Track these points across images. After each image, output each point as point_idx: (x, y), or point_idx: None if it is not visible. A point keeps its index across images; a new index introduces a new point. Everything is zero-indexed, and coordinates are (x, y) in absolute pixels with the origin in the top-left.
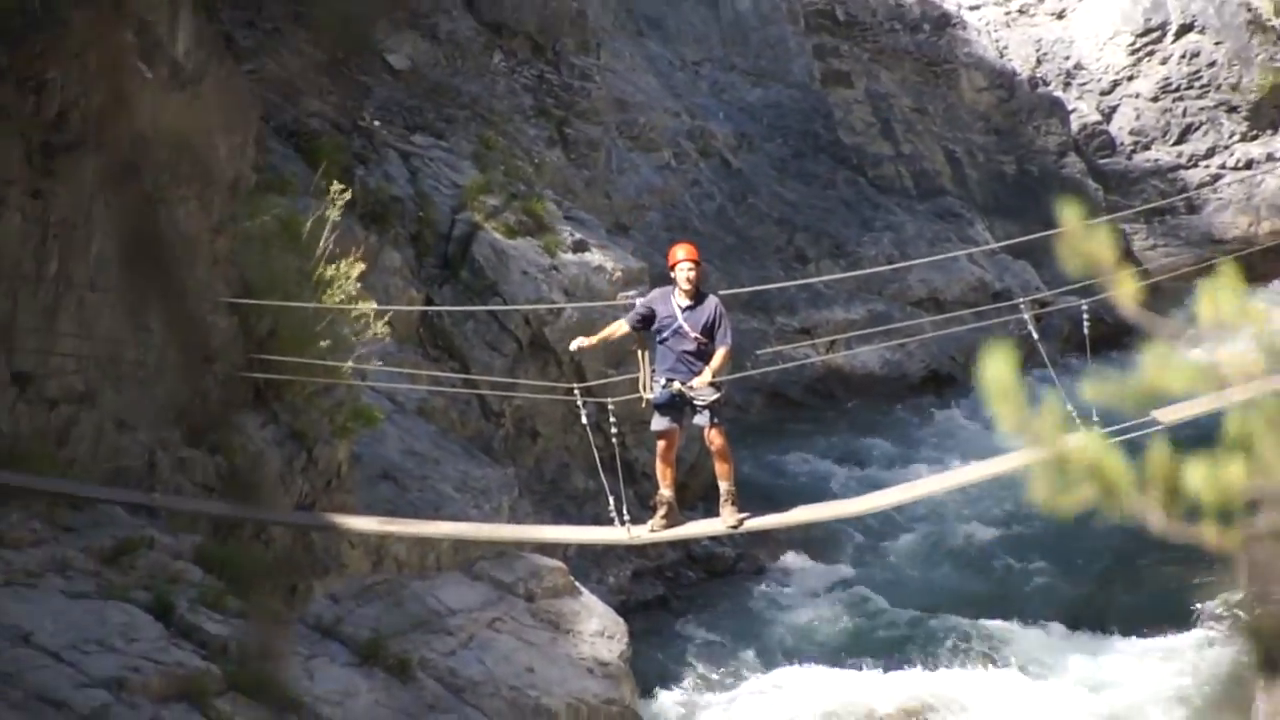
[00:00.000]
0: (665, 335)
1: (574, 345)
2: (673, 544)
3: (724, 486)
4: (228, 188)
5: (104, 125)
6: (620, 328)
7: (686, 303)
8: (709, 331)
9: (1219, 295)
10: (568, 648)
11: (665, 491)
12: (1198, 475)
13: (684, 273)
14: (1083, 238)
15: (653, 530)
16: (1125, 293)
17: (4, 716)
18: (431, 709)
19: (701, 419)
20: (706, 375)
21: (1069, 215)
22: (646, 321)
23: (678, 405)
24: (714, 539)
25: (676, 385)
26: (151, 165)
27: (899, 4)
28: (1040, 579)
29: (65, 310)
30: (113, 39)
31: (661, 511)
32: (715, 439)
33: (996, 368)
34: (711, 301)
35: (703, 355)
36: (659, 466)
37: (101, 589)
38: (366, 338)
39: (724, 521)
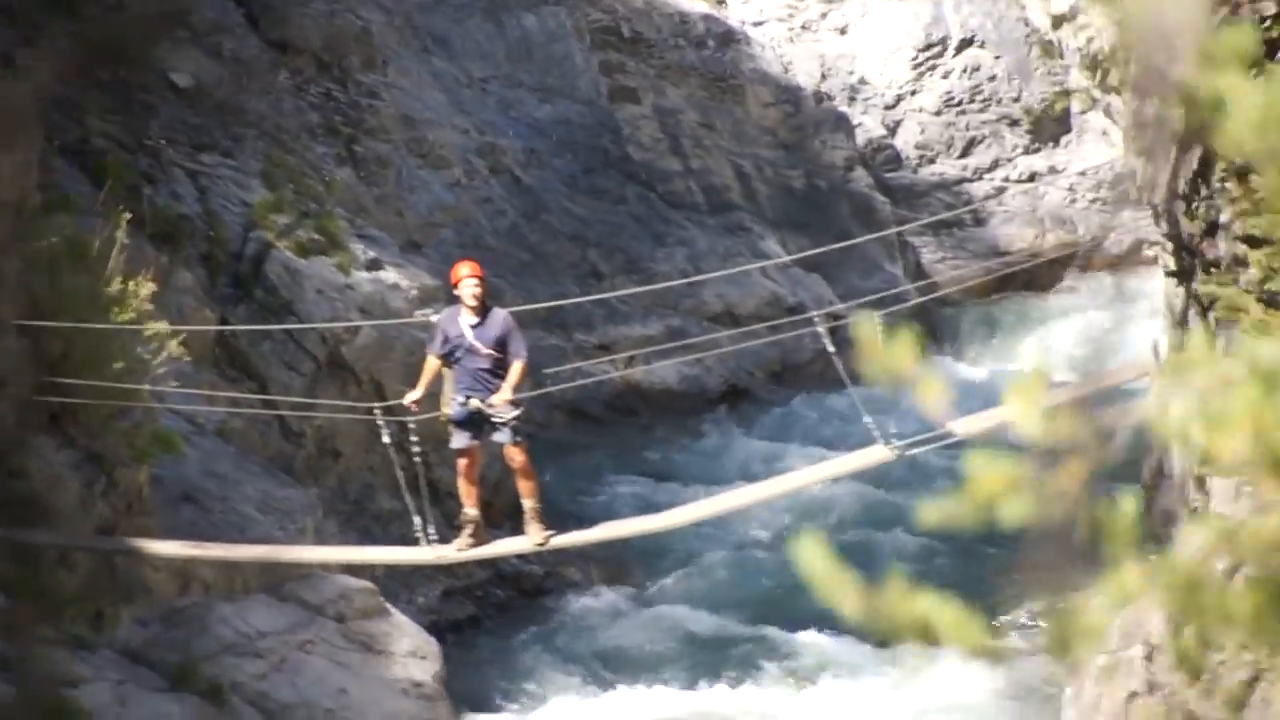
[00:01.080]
0: (458, 355)
1: (406, 400)
2: (481, 563)
3: (527, 504)
4: (12, 207)
5: None
6: (432, 364)
7: (474, 320)
8: (501, 345)
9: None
10: (380, 669)
11: (469, 510)
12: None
13: (469, 289)
14: (884, 355)
15: (459, 549)
16: (931, 398)
17: None
18: None
19: (501, 436)
20: (506, 392)
21: (865, 331)
22: (445, 344)
23: (477, 423)
24: (522, 557)
25: (475, 403)
26: None
27: (684, 21)
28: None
29: None
30: None
31: (467, 530)
32: (516, 456)
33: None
34: (499, 315)
35: (497, 371)
36: (462, 485)
37: None
38: (161, 358)
39: (529, 539)
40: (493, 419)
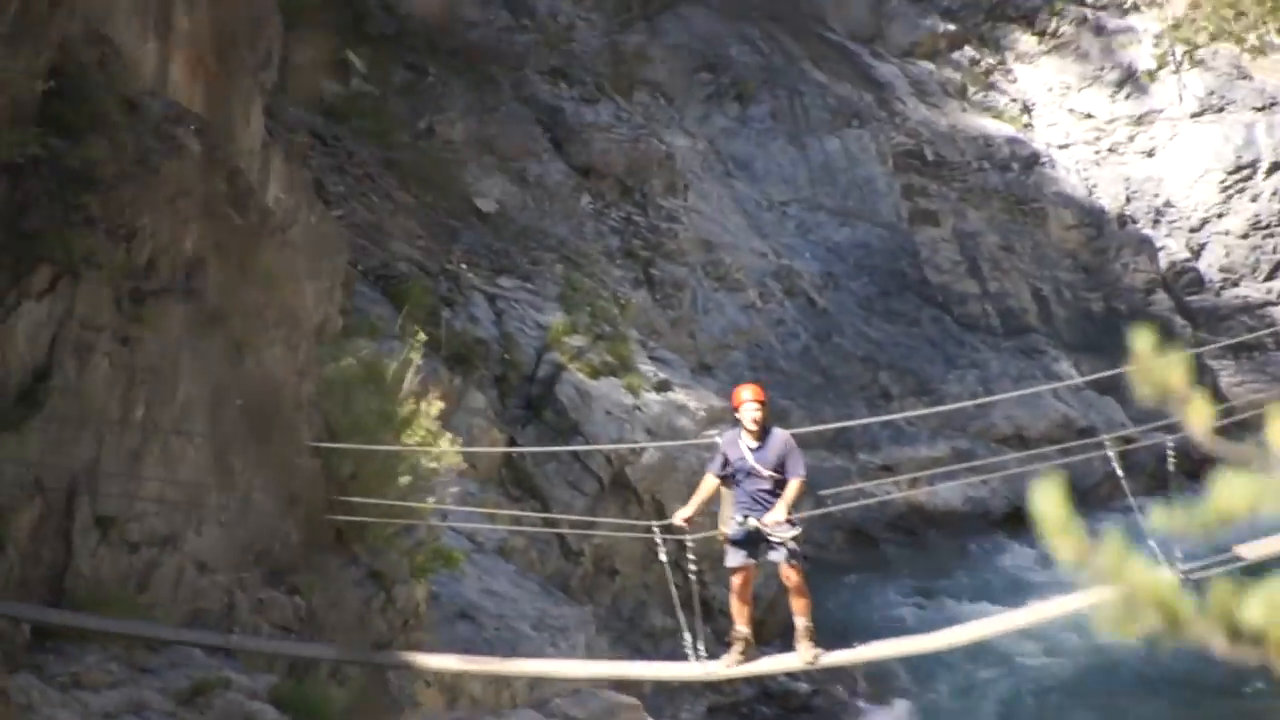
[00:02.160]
0: (739, 477)
1: (677, 518)
2: (748, 680)
3: (800, 622)
4: (314, 331)
5: (193, 272)
6: (709, 483)
7: (754, 443)
8: (781, 467)
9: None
10: None
11: (741, 628)
12: (1257, 603)
13: (749, 414)
14: (1155, 366)
15: (728, 666)
16: (1198, 419)
17: None
18: None
19: (777, 555)
20: (781, 510)
21: (1140, 342)
22: (726, 466)
23: (754, 542)
24: (790, 675)
25: (753, 522)
26: (240, 310)
27: (988, 144)
28: (1119, 712)
29: (150, 454)
30: (204, 187)
31: (738, 647)
32: (791, 575)
33: (1047, 502)
34: (779, 437)
35: (777, 491)
36: (734, 603)
37: None
38: (446, 475)
39: (800, 657)
40: (769, 538)
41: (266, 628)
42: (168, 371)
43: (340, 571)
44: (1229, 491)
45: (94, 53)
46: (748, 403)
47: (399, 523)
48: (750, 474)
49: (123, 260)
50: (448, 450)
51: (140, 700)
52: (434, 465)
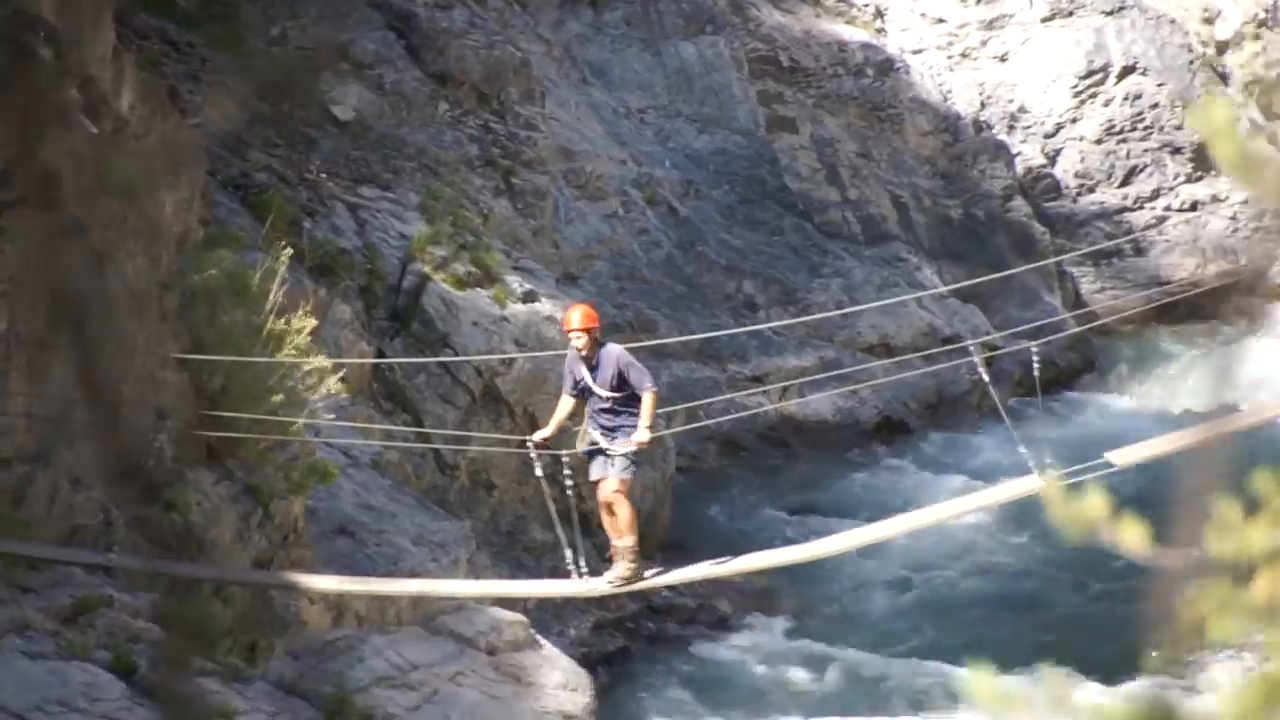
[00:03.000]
0: (586, 395)
1: (536, 438)
2: (632, 595)
3: (618, 541)
4: (175, 242)
5: (49, 182)
6: (565, 402)
7: (588, 365)
8: (620, 383)
9: None
10: (531, 701)
11: (617, 542)
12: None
13: (573, 340)
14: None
15: (610, 583)
16: (1132, 539)
17: None
18: None
19: (611, 468)
20: (642, 432)
21: (1051, 490)
22: (575, 386)
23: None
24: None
25: (596, 437)
26: (98, 220)
27: (842, 49)
28: (997, 624)
29: (16, 368)
30: (57, 95)
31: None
32: (604, 489)
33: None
34: (611, 355)
35: (617, 409)
36: (604, 516)
37: (62, 649)
38: (320, 393)
39: (610, 575)
40: (606, 451)
41: (145, 545)
42: (27, 283)
43: (215, 487)
44: None
45: None
46: (572, 330)
47: (272, 438)
48: (592, 393)
49: None
50: (320, 363)
51: (22, 619)
52: (307, 380)
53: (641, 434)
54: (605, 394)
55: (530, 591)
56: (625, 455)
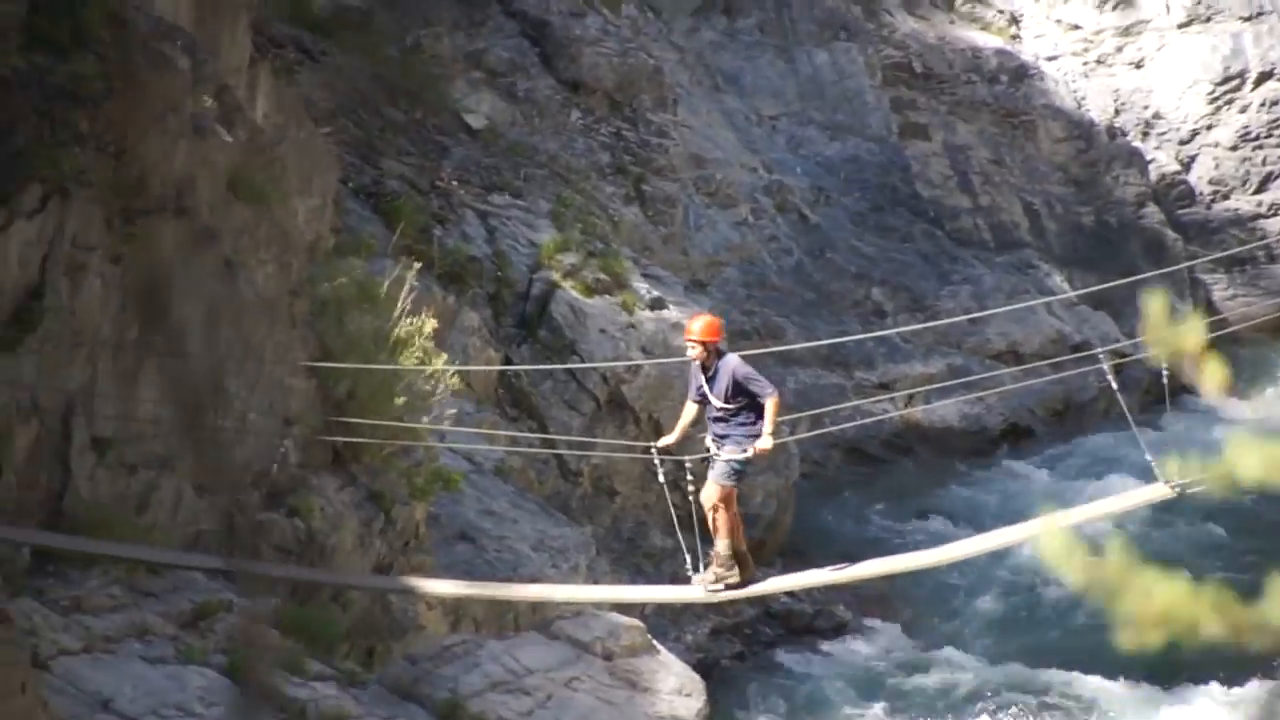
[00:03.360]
0: (705, 402)
1: (660, 444)
2: (750, 601)
3: (717, 544)
4: (306, 250)
5: (183, 190)
6: (689, 408)
7: (705, 373)
8: (736, 394)
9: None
10: (645, 706)
11: (737, 549)
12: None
13: (689, 351)
14: (1170, 332)
15: (703, 587)
16: (1213, 382)
17: None
18: None
19: (713, 473)
20: (766, 440)
21: (1153, 306)
22: (697, 392)
23: None
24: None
25: (711, 446)
26: (230, 229)
27: (976, 56)
28: (1109, 631)
29: (145, 375)
30: (193, 103)
31: (740, 568)
32: (712, 497)
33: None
34: (728, 365)
35: (731, 419)
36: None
37: (180, 653)
38: (441, 395)
39: (701, 578)
40: (715, 457)
41: (267, 551)
42: (160, 291)
43: (339, 493)
44: (1243, 459)
45: None
46: (689, 339)
47: (396, 444)
48: (708, 402)
49: (112, 178)
50: (444, 369)
51: (143, 623)
52: (430, 385)
53: (765, 441)
54: (719, 404)
55: (649, 597)
56: (729, 463)
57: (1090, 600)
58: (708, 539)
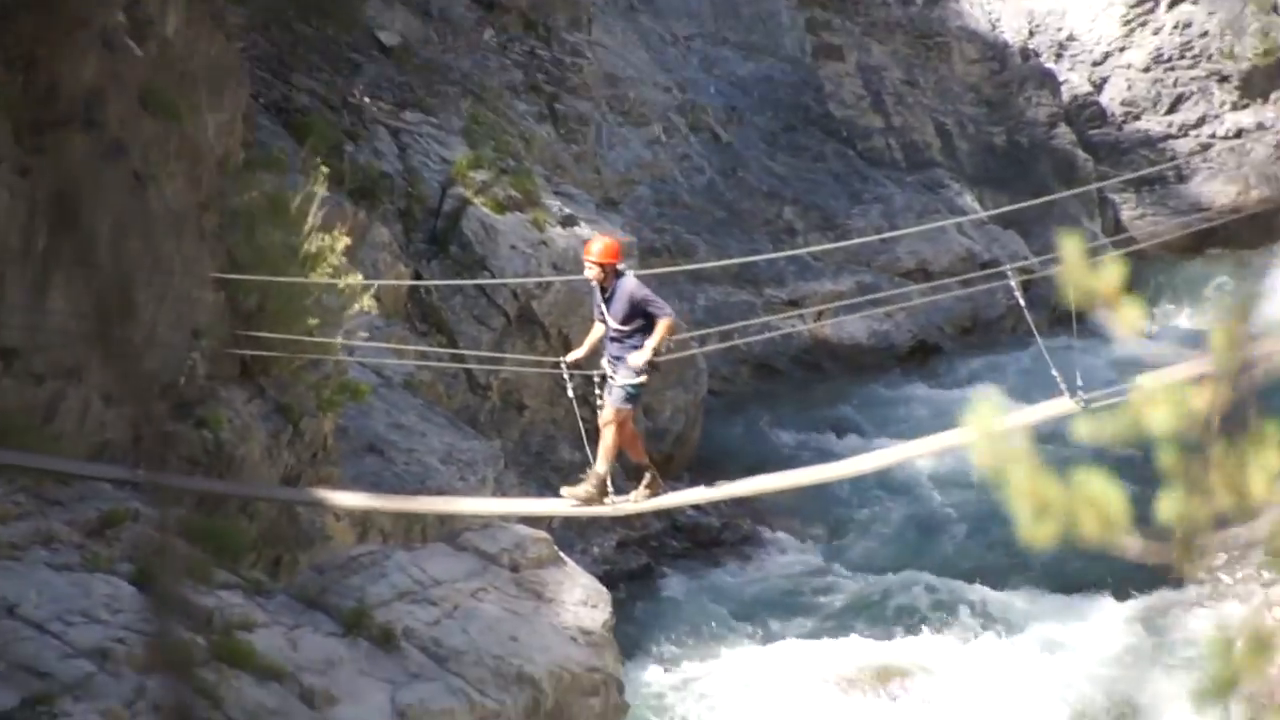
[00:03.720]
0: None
1: (567, 359)
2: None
3: (598, 466)
4: (216, 164)
5: (93, 103)
6: (598, 328)
7: (603, 295)
8: (633, 315)
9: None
10: (551, 617)
11: (640, 463)
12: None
13: (586, 271)
14: (1085, 273)
15: (635, 500)
16: (1128, 324)
17: None
18: (415, 677)
19: (611, 396)
20: (645, 353)
21: (1069, 249)
22: (596, 310)
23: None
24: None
25: (605, 365)
26: (140, 142)
27: None
28: (1010, 545)
29: (54, 286)
30: (102, 17)
31: (645, 481)
32: (605, 418)
33: None
34: (626, 287)
35: (624, 340)
36: (625, 440)
37: (86, 561)
38: (354, 312)
39: (576, 491)
40: (610, 378)
41: (174, 461)
42: (69, 203)
43: (247, 405)
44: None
45: None
46: (587, 259)
47: (305, 357)
48: (605, 321)
49: (21, 91)
50: (354, 284)
51: (49, 531)
52: (342, 300)
53: (644, 353)
54: (614, 325)
55: (556, 510)
56: (623, 386)
57: (993, 510)
58: (617, 453)
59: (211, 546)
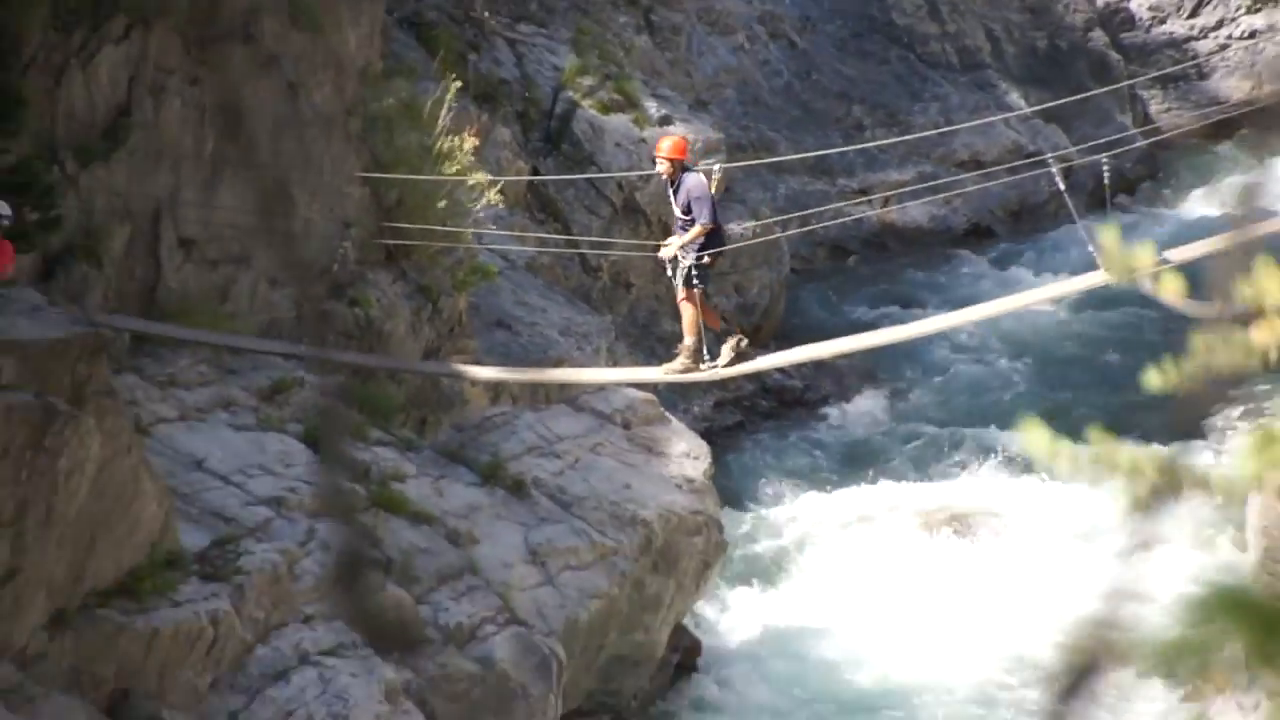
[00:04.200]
0: None
1: (663, 254)
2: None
3: (687, 339)
4: (358, 74)
5: (250, 20)
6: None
7: (671, 187)
8: (687, 209)
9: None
10: (659, 468)
11: (719, 330)
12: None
13: (658, 167)
14: (1123, 256)
15: (720, 364)
16: (1170, 291)
17: (185, 528)
18: (544, 520)
19: (676, 280)
20: (672, 248)
21: (1107, 238)
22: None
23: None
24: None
25: (664, 252)
26: (291, 54)
27: None
28: (1065, 395)
29: (223, 183)
30: None
31: (730, 344)
32: (679, 295)
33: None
34: (688, 182)
35: (685, 228)
36: (703, 313)
37: (261, 422)
38: (481, 204)
39: (671, 365)
40: (669, 265)
41: (331, 336)
42: (232, 109)
43: (392, 286)
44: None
45: None
46: (658, 157)
47: (440, 244)
48: (672, 210)
49: (188, 9)
50: (481, 178)
51: (228, 397)
52: (471, 196)
53: (669, 249)
54: (679, 213)
55: (657, 378)
56: (685, 268)
57: (1048, 368)
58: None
59: (367, 409)
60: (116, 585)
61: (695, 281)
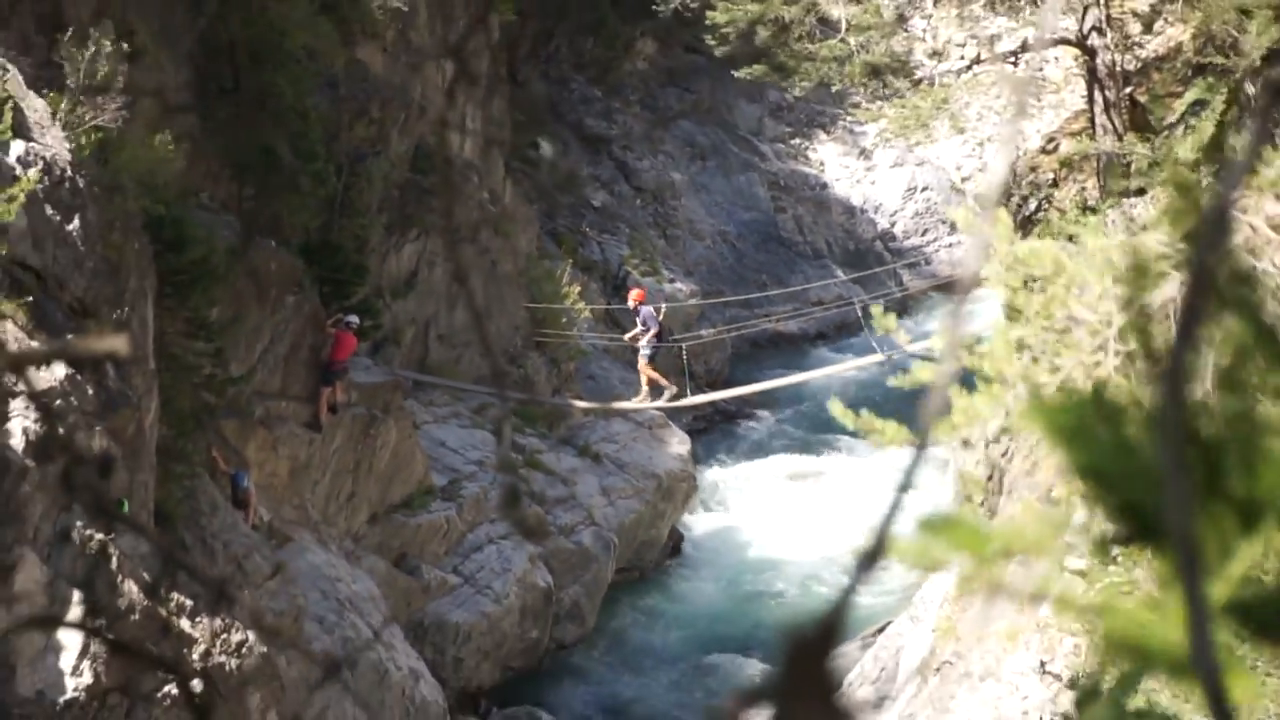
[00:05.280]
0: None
1: (629, 339)
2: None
3: (643, 388)
4: (524, 256)
5: (475, 229)
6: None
7: (633, 313)
8: (644, 323)
9: None
10: (665, 449)
11: (662, 385)
12: None
13: (630, 302)
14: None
15: (639, 399)
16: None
17: (435, 474)
18: (609, 474)
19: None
20: (640, 340)
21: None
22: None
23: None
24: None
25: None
26: (494, 248)
27: (806, 177)
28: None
29: (457, 310)
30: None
31: (661, 391)
32: (640, 366)
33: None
34: (642, 311)
35: (645, 333)
36: (652, 376)
37: (473, 424)
38: (580, 319)
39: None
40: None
41: (508, 385)
42: (462, 274)
43: (538, 360)
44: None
45: None
46: (629, 297)
47: (562, 338)
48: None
49: (446, 224)
50: (581, 307)
51: (456, 411)
52: (574, 315)
53: (629, 337)
54: (638, 324)
55: (642, 406)
56: (645, 352)
57: (881, 396)
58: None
59: (523, 418)
60: (401, 501)
61: (650, 357)
